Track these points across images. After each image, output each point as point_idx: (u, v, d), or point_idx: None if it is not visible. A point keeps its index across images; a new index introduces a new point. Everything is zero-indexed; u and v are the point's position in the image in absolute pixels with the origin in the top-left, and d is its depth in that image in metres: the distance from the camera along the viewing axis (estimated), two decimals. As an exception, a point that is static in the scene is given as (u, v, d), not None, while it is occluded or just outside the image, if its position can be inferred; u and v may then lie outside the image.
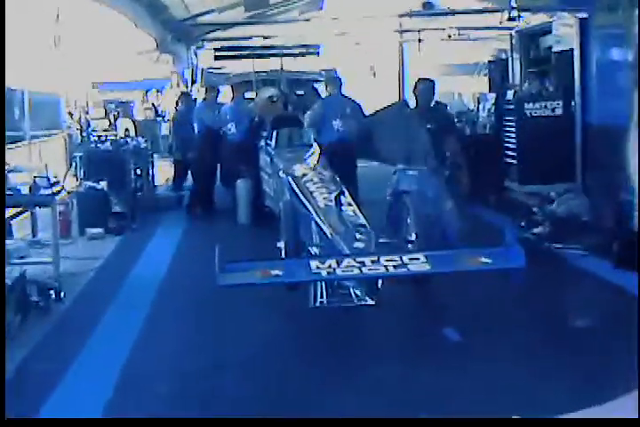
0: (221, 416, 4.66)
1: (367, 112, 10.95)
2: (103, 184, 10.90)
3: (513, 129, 11.95)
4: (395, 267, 5.69)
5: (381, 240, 6.66)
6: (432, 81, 8.59)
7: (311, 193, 7.44)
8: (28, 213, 9.66)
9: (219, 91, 13.62)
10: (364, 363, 5.75)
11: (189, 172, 13.01)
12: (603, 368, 5.27)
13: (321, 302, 6.11)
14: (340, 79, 11.83)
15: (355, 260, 5.76)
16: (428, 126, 8.01)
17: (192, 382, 5.43)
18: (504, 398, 4.83)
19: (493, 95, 13.44)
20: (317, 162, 8.83)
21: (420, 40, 17.09)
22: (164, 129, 13.24)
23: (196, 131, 12.37)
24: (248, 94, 13.50)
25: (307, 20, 15.89)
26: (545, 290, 7.28)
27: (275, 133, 10.82)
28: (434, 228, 7.48)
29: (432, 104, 8.56)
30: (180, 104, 13.78)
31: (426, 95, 8.43)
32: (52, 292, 7.22)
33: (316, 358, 5.85)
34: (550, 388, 4.99)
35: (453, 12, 15.80)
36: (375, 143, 8.50)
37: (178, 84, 17.06)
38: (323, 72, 18.15)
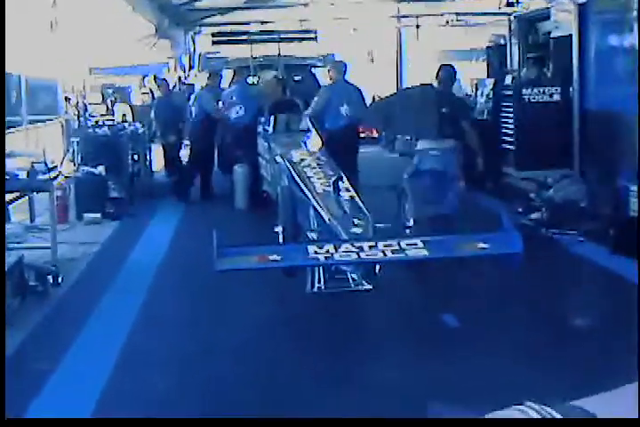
0: (218, 401, 4.69)
1: (367, 98, 11.02)
2: (101, 169, 10.90)
3: (511, 115, 11.93)
4: (392, 252, 5.71)
5: (378, 225, 6.66)
6: (453, 67, 8.93)
7: (309, 178, 7.44)
8: (25, 198, 9.65)
9: (221, 76, 13.59)
10: (360, 348, 5.77)
11: (180, 157, 12.93)
12: (601, 356, 5.29)
13: (319, 288, 6.13)
14: (345, 65, 11.81)
15: (352, 245, 5.78)
16: (448, 109, 8.30)
17: (189, 366, 5.45)
18: (500, 386, 4.84)
19: (492, 81, 13.40)
20: (316, 147, 8.84)
21: (418, 26, 17.05)
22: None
23: (193, 116, 12.31)
24: (249, 79, 13.51)
25: (305, 5, 15.81)
26: (542, 276, 7.30)
27: (272, 118, 10.81)
28: (438, 207, 7.72)
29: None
30: (159, 89, 13.73)
31: (448, 81, 8.78)
32: (49, 276, 7.23)
33: (313, 343, 5.88)
34: (547, 375, 5.01)
35: (452, -2, 15.78)
36: (401, 118, 8.83)
37: (175, 69, 17.03)
38: (321, 57, 18.14)
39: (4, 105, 8.07)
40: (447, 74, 8.75)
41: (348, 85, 11.22)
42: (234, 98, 11.93)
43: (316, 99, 11.03)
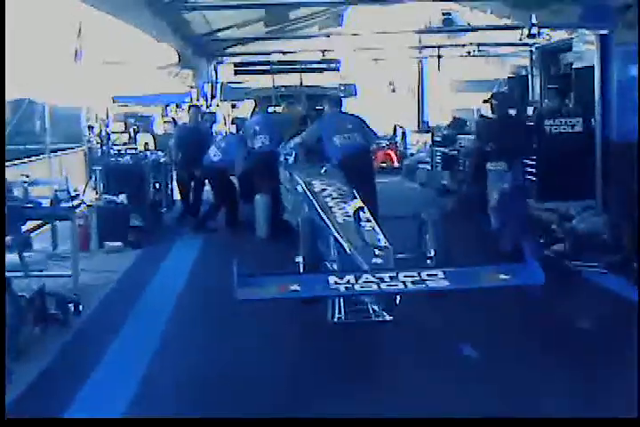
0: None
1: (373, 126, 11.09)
2: (122, 198, 10.95)
3: (533, 145, 11.92)
4: (413, 283, 5.68)
5: (400, 256, 6.64)
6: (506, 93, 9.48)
7: (330, 208, 7.44)
8: (48, 226, 9.70)
9: (268, 105, 13.51)
10: (381, 378, 5.74)
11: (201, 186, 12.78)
12: (619, 389, 5.24)
13: (339, 318, 6.11)
14: (339, 99, 11.86)
15: (373, 275, 5.76)
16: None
17: (209, 395, 5.42)
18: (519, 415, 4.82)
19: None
20: (336, 176, 8.85)
21: (439, 56, 17.11)
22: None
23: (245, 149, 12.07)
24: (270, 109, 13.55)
25: (327, 36, 15.93)
26: (563, 307, 7.26)
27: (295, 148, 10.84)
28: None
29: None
30: (189, 114, 13.63)
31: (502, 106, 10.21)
32: (70, 305, 7.23)
33: (334, 373, 5.84)
34: (565, 406, 4.97)
35: (473, 29, 15.84)
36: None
37: (197, 99, 17.14)
38: (342, 87, 18.21)
39: (4, 124, 8.11)
40: (501, 99, 10.21)
41: (345, 115, 11.19)
42: (257, 128, 11.93)
43: (305, 131, 11.11)
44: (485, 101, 10.93)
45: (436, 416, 4.72)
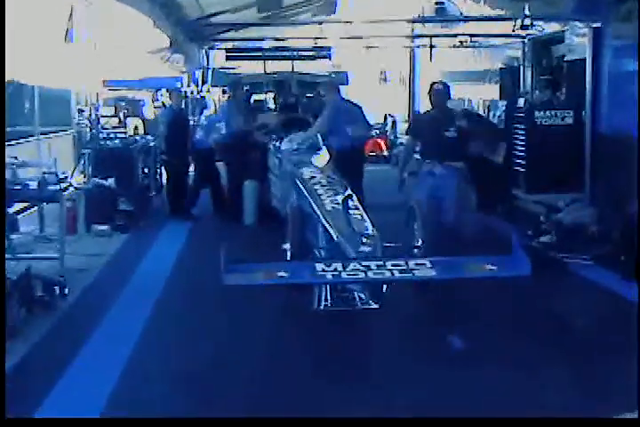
0: (220, 416, 4.66)
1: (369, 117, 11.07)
2: (111, 181, 10.91)
3: (522, 137, 11.94)
4: (400, 272, 5.70)
5: (387, 244, 6.65)
6: (445, 84, 8.76)
7: (319, 195, 7.43)
8: (35, 208, 9.67)
9: (251, 94, 13.41)
10: (366, 366, 5.75)
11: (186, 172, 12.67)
12: (605, 379, 5.26)
13: (325, 305, 6.11)
14: (338, 86, 11.83)
15: (360, 264, 5.77)
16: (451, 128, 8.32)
17: (193, 380, 5.42)
18: (505, 404, 4.83)
19: (504, 102, 13.44)
20: (326, 165, 8.83)
21: (432, 46, 17.09)
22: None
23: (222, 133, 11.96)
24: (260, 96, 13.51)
25: (319, 23, 15.87)
26: (549, 299, 7.28)
27: (284, 135, 10.81)
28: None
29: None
30: (171, 98, 13.24)
31: (440, 97, 8.59)
32: (56, 287, 7.22)
33: (319, 360, 5.85)
34: (551, 397, 4.99)
35: (466, 19, 15.81)
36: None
37: (189, 84, 17.07)
38: (333, 74, 18.19)
39: (4, 111, 8.07)
40: (438, 90, 8.63)
41: (348, 103, 11.23)
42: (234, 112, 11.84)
43: (320, 118, 11.03)
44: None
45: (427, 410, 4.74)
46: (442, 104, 8.58)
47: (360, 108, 11.15)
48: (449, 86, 8.69)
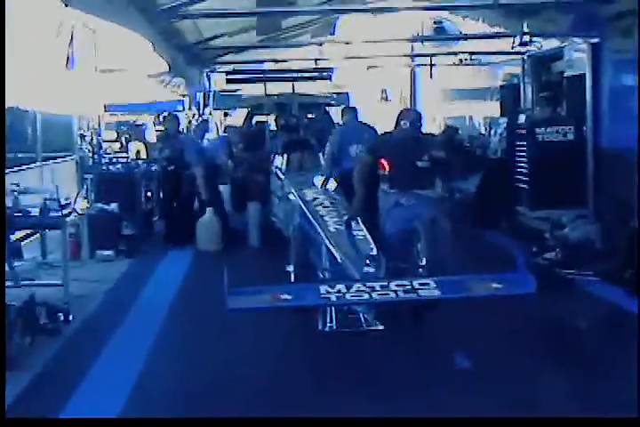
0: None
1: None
2: (114, 206, 10.91)
3: (524, 153, 11.93)
4: (405, 292, 5.67)
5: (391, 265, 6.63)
6: (417, 111, 8.69)
7: (322, 217, 7.42)
8: (38, 235, 9.66)
9: (252, 115, 13.42)
10: (372, 388, 5.71)
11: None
12: (612, 397, 5.23)
13: (330, 327, 6.09)
14: (355, 108, 11.89)
15: (364, 285, 5.74)
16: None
17: (199, 405, 5.38)
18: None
19: (505, 119, 13.44)
20: (328, 186, 8.82)
21: (432, 65, 17.12)
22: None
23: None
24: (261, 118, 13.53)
25: (319, 44, 15.92)
26: (555, 316, 7.25)
27: (286, 157, 10.82)
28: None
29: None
30: (164, 124, 13.18)
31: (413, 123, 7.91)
32: (60, 314, 7.19)
33: (324, 382, 5.81)
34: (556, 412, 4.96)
35: (466, 37, 15.85)
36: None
37: (190, 107, 17.10)
38: (334, 95, 18.22)
39: (5, 135, 8.07)
40: (410, 117, 7.92)
41: (362, 126, 11.26)
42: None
43: (328, 142, 11.02)
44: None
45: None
46: (414, 131, 7.88)
47: (375, 130, 11.12)
48: (420, 114, 8.20)
